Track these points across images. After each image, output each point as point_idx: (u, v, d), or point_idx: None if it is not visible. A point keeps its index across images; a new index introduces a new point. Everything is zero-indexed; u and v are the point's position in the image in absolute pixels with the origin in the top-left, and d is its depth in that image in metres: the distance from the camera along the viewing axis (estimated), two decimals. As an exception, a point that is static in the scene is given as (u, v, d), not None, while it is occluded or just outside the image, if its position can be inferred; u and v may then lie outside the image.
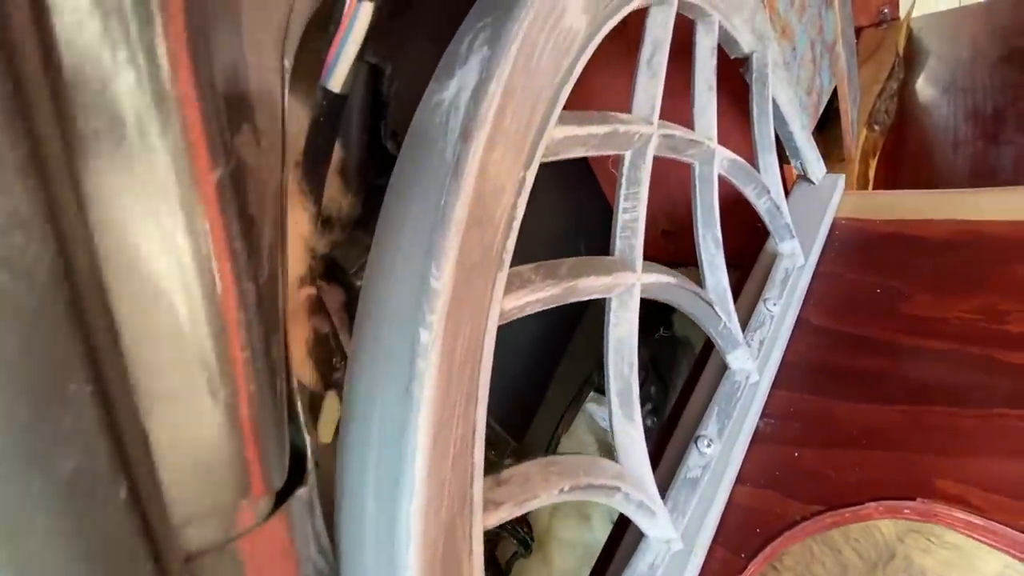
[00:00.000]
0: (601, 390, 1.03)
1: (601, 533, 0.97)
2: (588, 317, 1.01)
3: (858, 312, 0.52)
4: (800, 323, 0.54)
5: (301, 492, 0.16)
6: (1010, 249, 0.50)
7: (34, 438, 0.10)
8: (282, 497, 0.15)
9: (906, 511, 0.38)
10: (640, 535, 0.38)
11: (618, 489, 0.32)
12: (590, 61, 0.28)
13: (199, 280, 0.13)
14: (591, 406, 1.12)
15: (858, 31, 1.36)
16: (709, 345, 0.53)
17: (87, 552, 0.11)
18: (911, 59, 1.29)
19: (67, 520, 0.11)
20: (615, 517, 0.51)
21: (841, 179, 0.67)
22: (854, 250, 0.59)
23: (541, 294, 0.26)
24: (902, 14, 1.35)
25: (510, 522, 0.42)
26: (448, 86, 0.21)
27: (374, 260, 0.20)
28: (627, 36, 0.35)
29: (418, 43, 0.36)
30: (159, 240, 0.12)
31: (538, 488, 0.26)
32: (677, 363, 1.17)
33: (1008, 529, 0.34)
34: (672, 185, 0.61)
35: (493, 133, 0.21)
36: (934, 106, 1.12)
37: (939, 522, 0.37)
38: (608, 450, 1.22)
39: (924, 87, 1.19)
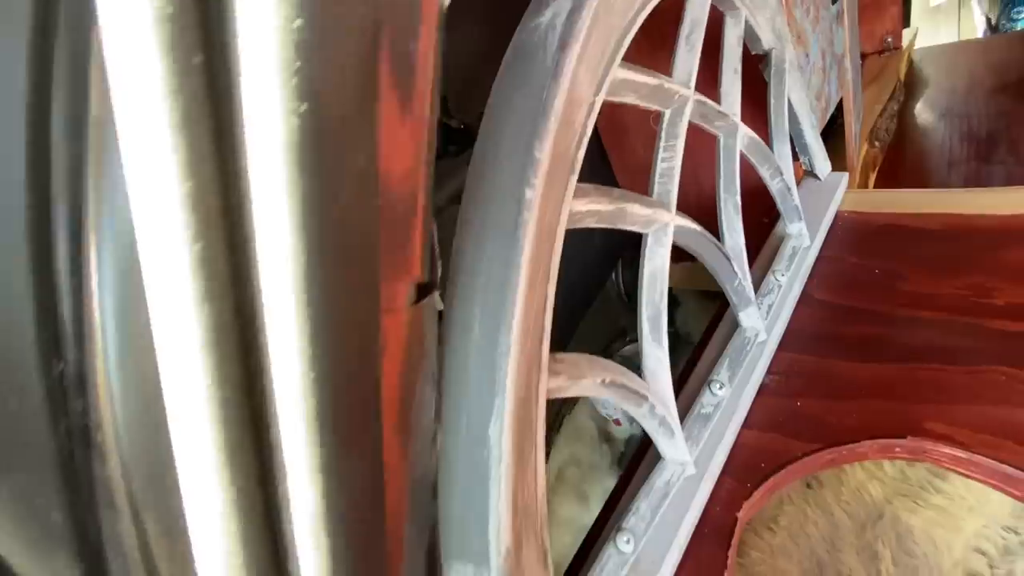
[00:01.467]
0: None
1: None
2: (596, 303, 1.05)
3: (858, 289, 0.57)
4: (804, 297, 0.58)
5: (434, 298, 0.20)
6: (997, 238, 0.55)
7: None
8: (420, 296, 0.19)
9: (897, 449, 0.42)
10: (657, 458, 0.42)
11: (646, 399, 0.36)
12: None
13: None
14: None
15: (863, 57, 1.43)
16: (721, 310, 0.57)
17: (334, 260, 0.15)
18: (911, 85, 1.37)
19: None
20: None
21: (845, 177, 0.72)
22: (855, 238, 0.64)
23: (598, 207, 0.31)
24: (904, 44, 1.43)
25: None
26: (544, 13, 0.26)
27: (483, 141, 0.24)
28: (654, 34, 0.40)
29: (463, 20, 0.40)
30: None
31: (585, 371, 0.30)
32: (679, 359, 1.21)
33: (991, 461, 0.38)
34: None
35: (581, 51, 0.25)
36: (931, 128, 1.18)
37: (927, 459, 0.41)
38: (607, 439, 1.26)
39: (922, 111, 1.26)
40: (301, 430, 0.15)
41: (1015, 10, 2.22)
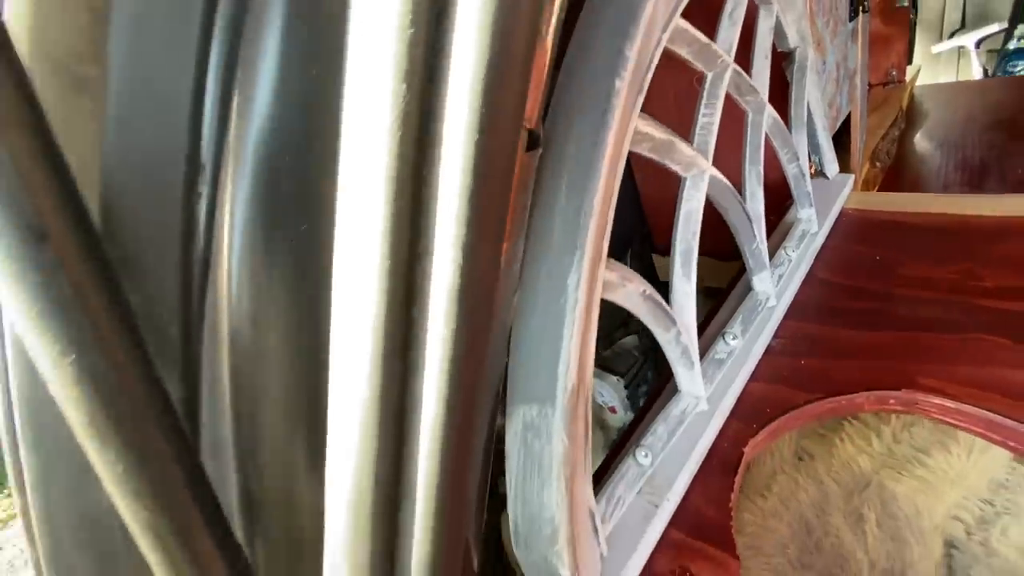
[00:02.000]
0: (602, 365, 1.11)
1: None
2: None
3: (860, 272, 0.62)
4: (809, 277, 0.63)
5: (537, 154, 0.23)
6: (988, 234, 0.60)
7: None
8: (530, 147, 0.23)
9: (892, 401, 0.46)
10: (674, 391, 0.46)
11: (675, 324, 0.40)
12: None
13: None
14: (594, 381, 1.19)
15: (869, 87, 1.50)
16: (733, 282, 0.61)
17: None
18: (912, 116, 1.44)
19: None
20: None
21: (851, 178, 0.77)
22: (858, 230, 0.69)
23: (654, 132, 0.34)
24: (907, 79, 1.51)
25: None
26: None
27: (580, 38, 0.28)
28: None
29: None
30: None
31: (632, 278, 0.34)
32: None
33: (976, 409, 0.42)
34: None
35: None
36: (928, 155, 1.25)
37: (918, 410, 0.45)
38: (601, 426, 1.30)
39: (921, 140, 1.33)
40: (453, 221, 0.18)
41: (1011, 63, 2.34)
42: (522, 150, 0.22)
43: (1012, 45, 2.44)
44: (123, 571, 0.27)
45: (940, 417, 0.44)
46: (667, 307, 0.38)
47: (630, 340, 1.26)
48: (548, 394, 0.25)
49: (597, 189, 0.25)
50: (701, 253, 0.46)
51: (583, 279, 0.25)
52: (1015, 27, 2.44)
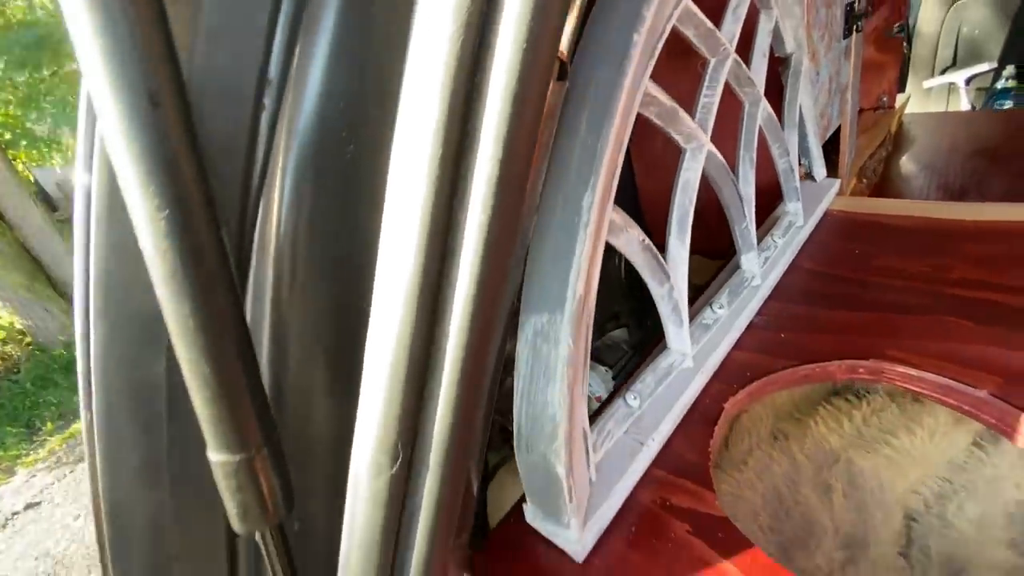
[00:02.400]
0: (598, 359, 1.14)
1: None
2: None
3: (840, 262, 0.66)
4: (793, 266, 0.67)
5: (565, 85, 0.27)
6: (963, 235, 0.65)
7: None
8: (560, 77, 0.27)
9: (861, 369, 0.50)
10: (663, 348, 0.49)
11: (668, 279, 0.44)
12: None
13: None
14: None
15: (860, 111, 1.57)
16: (722, 268, 0.65)
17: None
18: (899, 141, 1.51)
19: None
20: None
21: (837, 182, 0.82)
22: (841, 228, 0.74)
23: (662, 98, 0.39)
24: (897, 105, 1.58)
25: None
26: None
27: (603, 2, 0.32)
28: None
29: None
30: None
31: (633, 227, 0.38)
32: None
33: (936, 376, 0.46)
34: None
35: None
36: (913, 176, 1.32)
37: (884, 379, 0.50)
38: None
39: (907, 162, 1.40)
40: (497, 119, 0.22)
41: (998, 101, 2.44)
42: (555, 77, 0.26)
43: (1000, 84, 2.54)
44: (163, 437, 0.30)
45: (904, 384, 0.48)
46: (663, 261, 0.42)
47: (619, 333, 1.30)
48: (558, 302, 0.29)
49: (613, 125, 0.29)
50: (692, 251, 0.51)
51: (596, 202, 0.29)
52: (1004, 67, 2.54)
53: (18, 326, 5.74)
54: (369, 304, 0.27)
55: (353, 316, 0.31)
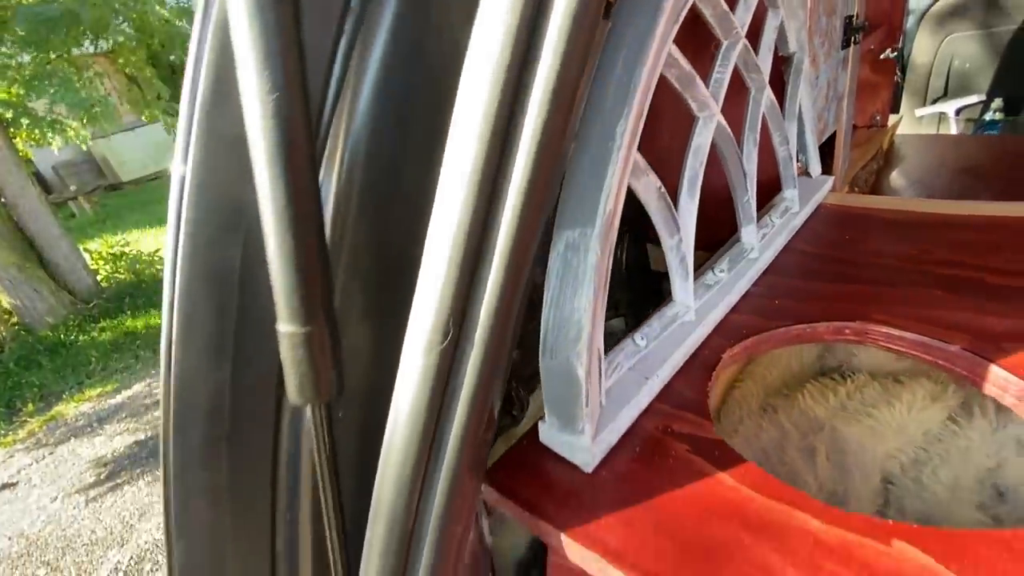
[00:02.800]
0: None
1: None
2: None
3: (831, 246, 0.71)
4: (788, 248, 0.72)
5: (608, 23, 0.32)
6: (947, 226, 0.70)
7: None
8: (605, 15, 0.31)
9: (847, 331, 0.55)
10: (669, 301, 0.54)
11: (679, 231, 0.48)
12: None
13: None
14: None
15: (854, 128, 1.65)
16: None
17: None
18: (890, 157, 1.58)
19: None
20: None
21: (831, 179, 0.88)
22: (833, 217, 0.79)
23: (682, 62, 0.43)
24: (890, 124, 1.65)
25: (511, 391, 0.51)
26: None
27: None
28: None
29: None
30: None
31: (650, 174, 0.42)
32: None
33: (915, 335, 0.51)
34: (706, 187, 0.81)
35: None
36: (902, 188, 1.38)
37: (868, 339, 0.54)
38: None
39: (897, 177, 1.47)
40: (557, 33, 0.26)
41: (985, 132, 2.54)
42: (602, 14, 0.30)
43: (988, 116, 2.63)
44: (231, 319, 0.34)
45: (887, 344, 0.53)
46: (675, 212, 0.47)
47: (617, 323, 1.35)
48: (591, 216, 0.33)
49: (645, 67, 0.34)
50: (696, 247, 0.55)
51: (628, 130, 0.33)
52: (992, 100, 2.64)
53: (5, 305, 5.67)
54: (411, 238, 0.32)
55: (397, 245, 0.35)
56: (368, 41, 0.32)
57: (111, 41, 6.01)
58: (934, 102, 2.80)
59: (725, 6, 0.49)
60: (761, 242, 0.65)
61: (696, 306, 0.54)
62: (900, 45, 2.77)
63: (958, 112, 2.70)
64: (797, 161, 0.87)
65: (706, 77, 0.52)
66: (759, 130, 0.63)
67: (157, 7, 6.10)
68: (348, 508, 0.34)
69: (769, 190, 0.77)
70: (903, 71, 2.91)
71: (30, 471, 3.94)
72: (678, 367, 0.51)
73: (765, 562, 0.33)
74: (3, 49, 5.65)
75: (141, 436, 3.83)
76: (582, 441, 0.40)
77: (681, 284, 0.52)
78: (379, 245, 0.37)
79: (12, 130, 5.68)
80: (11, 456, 4.19)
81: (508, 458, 0.45)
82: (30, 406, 4.90)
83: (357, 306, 0.37)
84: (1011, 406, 0.44)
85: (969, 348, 0.47)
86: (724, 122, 0.53)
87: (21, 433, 4.52)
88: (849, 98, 1.09)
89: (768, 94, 0.64)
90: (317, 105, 0.33)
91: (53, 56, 5.53)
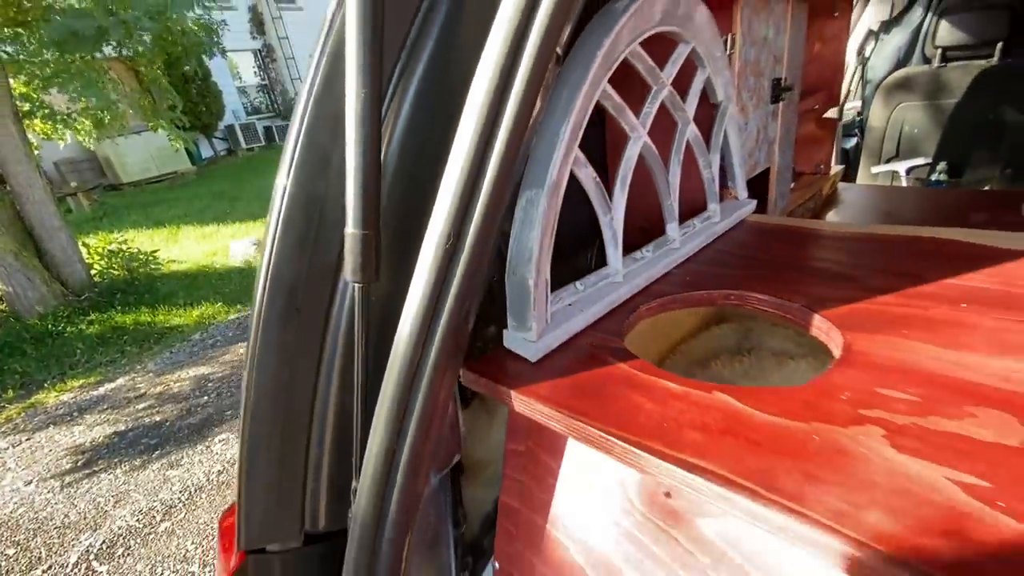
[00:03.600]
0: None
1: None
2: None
3: (742, 247, 0.93)
4: (707, 247, 0.94)
5: (559, 67, 0.54)
6: (834, 238, 0.93)
7: None
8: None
9: (732, 297, 0.76)
10: (604, 266, 0.75)
11: (610, 212, 0.69)
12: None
13: None
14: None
15: (800, 175, 1.91)
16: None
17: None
18: (831, 199, 1.84)
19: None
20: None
21: (754, 202, 1.11)
22: (751, 230, 1.02)
23: (615, 96, 0.65)
24: (832, 172, 1.92)
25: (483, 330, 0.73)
26: None
27: (584, 30, 0.59)
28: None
29: None
30: None
31: (588, 167, 0.64)
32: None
33: (774, 298, 0.72)
34: (649, 198, 1.04)
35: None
36: (832, 225, 1.63)
37: (745, 303, 0.75)
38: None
39: (832, 216, 1.72)
40: (531, 57, 0.48)
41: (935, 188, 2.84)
42: (554, 63, 0.52)
43: (934, 176, 2.94)
44: (315, 225, 0.54)
45: (759, 307, 0.74)
46: (607, 197, 0.68)
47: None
48: (541, 183, 0.54)
49: (580, 95, 0.55)
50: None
51: (567, 133, 0.55)
52: (938, 163, 2.95)
53: (-2, 293, 5.71)
54: (429, 185, 0.52)
55: (420, 188, 0.56)
56: (413, 68, 0.54)
57: (132, 49, 6.28)
58: (887, 162, 3.12)
59: (652, 63, 0.72)
60: (682, 237, 0.87)
61: (624, 271, 0.75)
62: (846, 106, 3.10)
63: (908, 172, 3.01)
64: (727, 187, 1.10)
65: (638, 109, 0.74)
66: (683, 153, 0.85)
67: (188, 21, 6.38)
68: (371, 366, 0.54)
69: (700, 202, 1.00)
70: (863, 133, 3.23)
71: (5, 455, 3.96)
72: (606, 311, 0.72)
73: (634, 399, 0.52)
74: (26, 46, 5.88)
75: (121, 427, 3.89)
76: (530, 337, 0.60)
77: (612, 252, 0.73)
78: (408, 186, 0.57)
79: (27, 122, 5.86)
80: (-13, 440, 4.17)
81: (481, 358, 0.65)
82: (10, 392, 4.91)
83: (390, 225, 0.57)
84: (824, 340, 0.65)
85: (805, 305, 0.68)
86: (650, 143, 0.75)
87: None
88: (782, 143, 1.34)
89: (692, 128, 0.87)
90: (383, 100, 0.54)
91: (78, 56, 5.76)
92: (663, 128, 0.80)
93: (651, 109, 0.75)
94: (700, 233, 0.92)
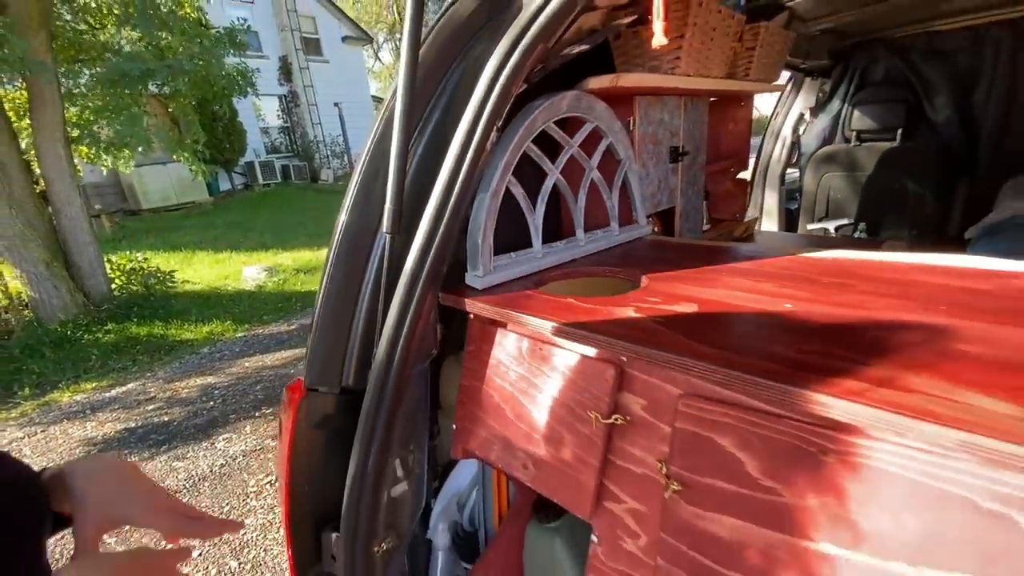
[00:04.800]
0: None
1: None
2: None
3: (629, 251, 1.44)
4: (605, 250, 1.44)
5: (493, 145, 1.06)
6: (721, 255, 1.44)
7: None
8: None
9: (605, 271, 1.25)
10: (532, 248, 1.25)
11: (534, 214, 1.20)
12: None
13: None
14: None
15: (720, 222, 2.45)
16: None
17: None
18: (741, 239, 2.36)
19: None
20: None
21: (650, 226, 1.62)
22: (643, 244, 1.52)
23: (537, 149, 1.18)
24: (746, 220, 2.46)
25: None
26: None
27: (516, 117, 1.11)
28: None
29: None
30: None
31: (518, 187, 1.16)
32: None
33: (622, 269, 1.21)
34: (567, 214, 1.56)
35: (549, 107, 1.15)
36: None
37: (613, 274, 1.24)
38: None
39: (735, 251, 2.24)
40: (478, 128, 0.99)
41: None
42: (498, 129, 1.04)
43: (856, 234, 3.50)
44: (372, 229, 1.05)
45: (610, 273, 1.23)
46: (532, 206, 1.20)
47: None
48: (487, 188, 1.06)
49: (508, 151, 1.07)
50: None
51: (497, 175, 1.06)
52: (858, 223, 3.52)
53: (25, 298, 6.19)
54: (425, 191, 1.03)
55: (423, 191, 1.07)
56: (425, 127, 1.06)
57: (171, 88, 7.03)
58: (819, 220, 3.69)
59: (563, 133, 1.25)
60: (586, 239, 1.38)
61: (543, 252, 1.25)
62: (787, 173, 3.70)
63: (837, 229, 3.57)
64: (633, 215, 1.62)
65: (556, 158, 1.26)
66: (588, 189, 1.37)
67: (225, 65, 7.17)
68: (387, 286, 1.03)
69: (606, 220, 1.51)
70: (800, 193, 3.82)
71: (20, 443, 4.32)
72: (529, 273, 1.22)
73: (529, 302, 1.01)
74: (81, 81, 6.61)
75: (131, 424, 4.26)
76: (479, 274, 1.09)
77: (535, 239, 1.23)
78: (418, 186, 1.08)
79: (74, 147, 6.51)
80: (2, 430, 4.57)
81: (450, 288, 1.14)
82: (26, 390, 5.30)
83: (408, 205, 1.07)
84: (639, 283, 1.14)
85: (640, 272, 1.17)
86: (563, 179, 1.27)
87: (14, 412, 4.92)
88: (684, 191, 1.87)
89: (596, 174, 1.40)
90: (409, 141, 1.06)
91: (127, 92, 6.47)
92: (578, 172, 1.33)
93: (562, 160, 1.28)
94: (601, 239, 1.43)
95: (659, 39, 0.83)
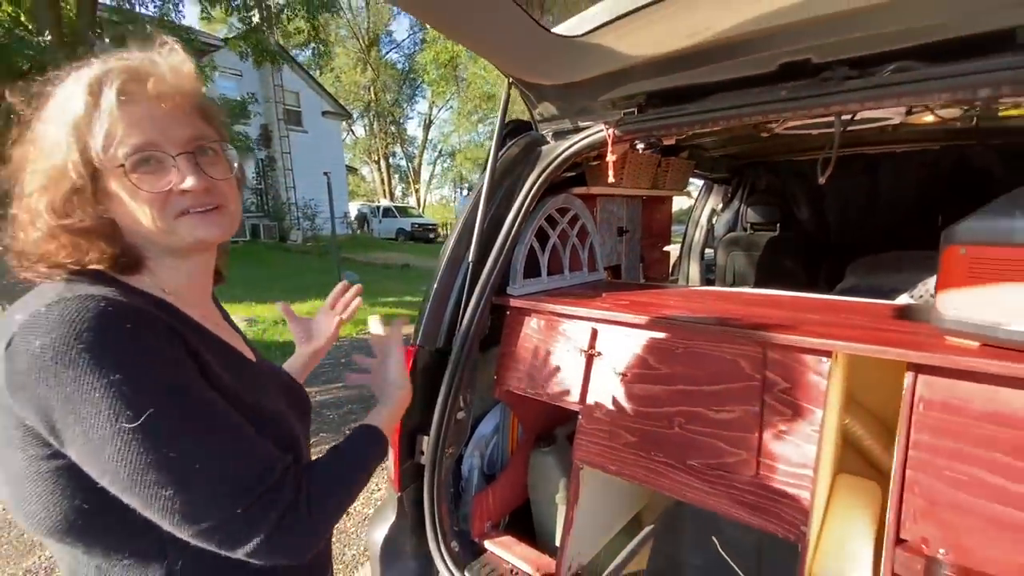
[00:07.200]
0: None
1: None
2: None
3: (593, 286, 2.41)
4: (579, 284, 2.41)
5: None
6: (626, 288, 2.43)
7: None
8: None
9: (580, 293, 2.21)
10: (524, 278, 2.21)
11: (543, 257, 2.17)
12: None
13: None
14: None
15: (653, 278, 3.51)
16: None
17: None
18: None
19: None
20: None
21: (604, 272, 2.61)
22: (605, 283, 2.50)
23: (548, 228, 2.17)
24: (670, 279, 3.54)
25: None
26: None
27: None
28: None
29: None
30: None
31: (526, 238, 2.13)
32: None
33: (587, 294, 2.17)
34: (556, 262, 2.54)
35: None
36: (659, 300, 3.17)
37: (594, 305, 2.20)
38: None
39: (661, 298, 3.28)
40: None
41: (748, 305, 4.51)
42: (523, 218, 2.03)
43: (754, 299, 4.62)
44: (458, 257, 2.00)
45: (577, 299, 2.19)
46: (540, 254, 2.16)
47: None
48: (522, 240, 2.02)
49: (533, 223, 2.04)
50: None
51: (527, 238, 2.03)
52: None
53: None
54: (491, 242, 1.98)
55: (488, 243, 2.02)
56: (490, 207, 2.03)
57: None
58: (728, 287, 4.84)
59: (558, 216, 2.25)
60: (569, 276, 2.35)
61: (546, 280, 2.21)
62: (706, 251, 4.87)
63: (741, 295, 4.69)
64: (596, 264, 2.62)
65: (555, 228, 2.25)
66: (570, 248, 2.36)
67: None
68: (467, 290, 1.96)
69: (580, 266, 2.49)
70: (715, 268, 4.99)
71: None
72: (538, 290, 2.16)
73: (545, 304, 1.95)
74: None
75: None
76: (516, 287, 2.03)
77: (543, 272, 2.19)
78: (486, 239, 2.02)
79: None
80: None
81: (500, 295, 2.05)
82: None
83: (481, 248, 2.01)
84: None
85: (593, 296, 2.13)
86: (558, 241, 2.25)
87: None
88: (627, 254, 2.91)
89: (574, 239, 2.39)
90: (488, 214, 2.02)
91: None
92: (564, 237, 2.32)
93: (558, 230, 2.27)
94: (577, 277, 2.40)
95: (610, 178, 1.85)
